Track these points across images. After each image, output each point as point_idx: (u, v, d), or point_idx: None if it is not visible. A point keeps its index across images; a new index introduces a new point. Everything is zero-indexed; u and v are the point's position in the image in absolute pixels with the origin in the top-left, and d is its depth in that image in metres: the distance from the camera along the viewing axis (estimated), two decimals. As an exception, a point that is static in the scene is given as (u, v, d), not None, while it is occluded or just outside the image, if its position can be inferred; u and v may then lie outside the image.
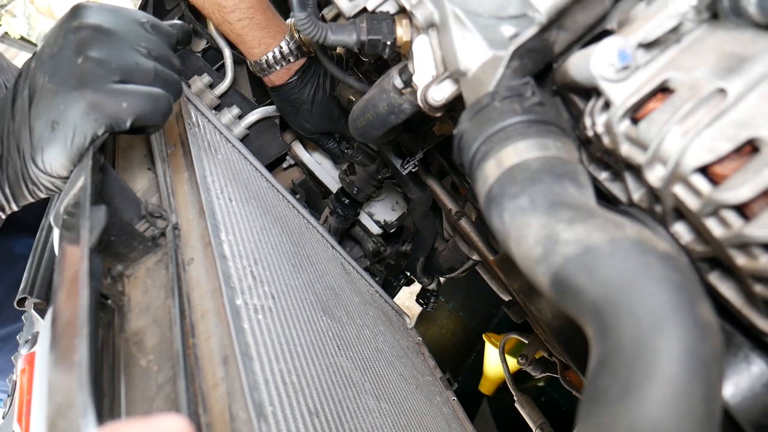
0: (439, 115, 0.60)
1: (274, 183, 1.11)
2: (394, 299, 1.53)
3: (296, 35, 1.01)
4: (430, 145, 0.94)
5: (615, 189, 0.49)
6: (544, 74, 0.51)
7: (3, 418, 0.70)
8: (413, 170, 0.97)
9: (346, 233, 1.38)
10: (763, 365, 0.41)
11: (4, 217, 0.63)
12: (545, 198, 0.39)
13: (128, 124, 0.56)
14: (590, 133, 0.47)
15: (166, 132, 0.84)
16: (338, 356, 0.79)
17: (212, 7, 0.98)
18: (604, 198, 0.51)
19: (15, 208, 0.61)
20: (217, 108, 1.14)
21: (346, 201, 1.26)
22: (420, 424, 0.91)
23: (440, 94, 0.56)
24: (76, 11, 0.58)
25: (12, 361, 0.75)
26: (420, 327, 1.63)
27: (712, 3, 0.40)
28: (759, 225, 0.36)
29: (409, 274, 1.38)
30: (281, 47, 1.01)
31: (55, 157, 0.55)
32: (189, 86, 1.07)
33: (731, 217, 0.37)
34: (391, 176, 1.20)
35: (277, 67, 1.03)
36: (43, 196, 0.60)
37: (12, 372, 0.72)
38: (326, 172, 1.35)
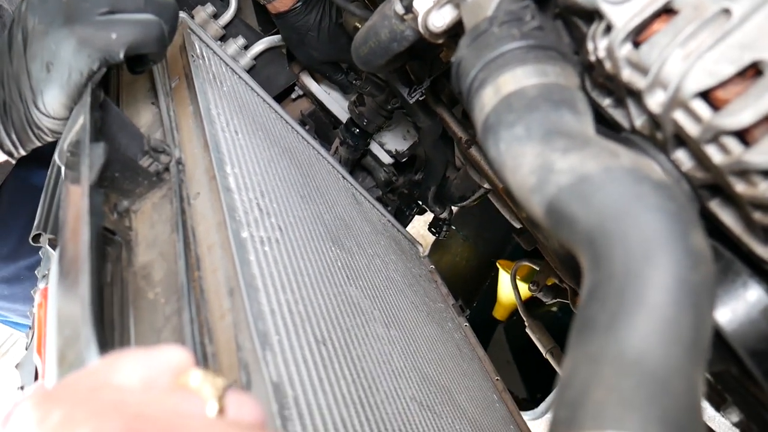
0: (441, 41, 0.58)
1: (283, 114, 1.10)
2: (407, 228, 1.54)
3: None
4: (438, 73, 0.92)
5: (618, 115, 0.48)
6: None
7: (26, 349, 0.73)
8: (420, 98, 0.95)
9: (357, 163, 1.38)
10: (760, 292, 0.41)
11: (13, 162, 0.63)
12: (541, 126, 0.38)
13: (121, 54, 0.55)
14: (593, 58, 0.45)
15: (169, 65, 0.83)
16: (347, 285, 0.80)
17: None
18: (607, 124, 0.50)
19: (23, 152, 0.62)
20: (222, 39, 1.12)
21: (356, 131, 1.25)
22: (430, 350, 0.93)
23: (441, 20, 0.55)
24: None
25: (32, 294, 0.77)
26: (434, 256, 1.65)
27: None
28: (759, 151, 0.35)
29: (421, 203, 1.38)
30: None
31: (55, 98, 0.55)
32: (192, 17, 1.05)
33: (731, 143, 0.36)
34: (401, 106, 1.18)
35: None
36: (49, 139, 0.60)
37: (32, 305, 0.75)
38: (335, 101, 1.33)
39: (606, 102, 0.48)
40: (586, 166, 0.35)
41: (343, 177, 1.21)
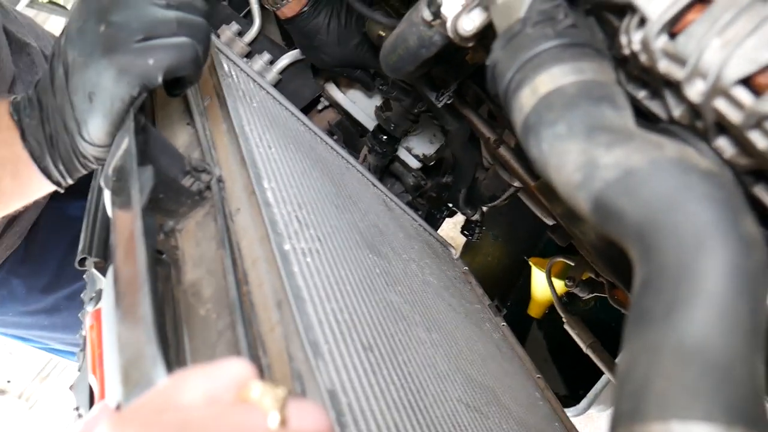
0: (470, 45, 0.59)
1: (311, 126, 1.11)
2: (438, 231, 1.54)
3: None
4: (464, 76, 0.92)
5: (654, 107, 0.48)
6: (576, -6, 0.49)
7: (79, 370, 0.74)
8: (448, 102, 0.96)
9: (386, 170, 1.39)
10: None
11: (62, 191, 0.66)
12: (583, 123, 0.38)
13: (159, 79, 0.56)
14: (627, 52, 0.45)
15: (200, 85, 0.85)
16: (387, 291, 0.81)
17: None
18: (644, 116, 0.50)
19: (70, 182, 0.64)
20: (248, 56, 1.14)
21: (384, 138, 1.26)
22: (471, 351, 0.93)
23: (470, 23, 0.55)
24: None
25: (79, 317, 0.79)
26: (466, 257, 1.65)
27: None
28: (805, 134, 0.35)
29: (451, 205, 1.39)
30: None
31: (99, 127, 0.57)
32: (218, 36, 1.07)
33: (776, 128, 0.36)
34: (428, 109, 1.19)
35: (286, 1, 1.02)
36: (94, 167, 0.62)
37: (81, 328, 0.76)
38: (361, 110, 1.35)
39: (642, 94, 0.49)
40: (632, 159, 0.35)
41: (373, 184, 1.22)
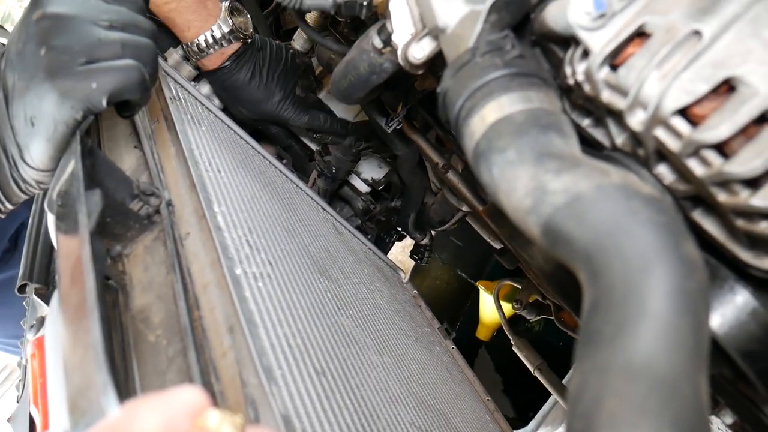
0: (420, 72, 0.60)
1: (260, 150, 1.11)
2: (388, 255, 1.55)
3: (230, 20, 0.99)
4: (413, 101, 0.94)
5: (598, 134, 0.50)
6: (522, 25, 0.51)
7: (18, 401, 0.71)
8: (397, 127, 0.97)
9: (336, 194, 1.39)
10: (747, 295, 0.43)
11: (2, 216, 0.63)
12: (532, 150, 0.40)
13: (104, 102, 0.55)
14: (571, 82, 0.47)
15: (148, 107, 0.84)
16: (338, 315, 0.81)
17: None
18: (588, 144, 0.52)
19: (10, 207, 0.62)
20: (196, 79, 1.13)
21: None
22: (422, 374, 0.94)
23: (420, 52, 0.57)
24: (36, 1, 0.57)
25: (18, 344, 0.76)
26: (415, 280, 1.66)
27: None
28: (738, 162, 0.37)
29: (401, 229, 1.40)
30: (213, 31, 0.99)
31: (42, 152, 0.55)
32: (165, 59, 1.06)
33: (711, 156, 0.39)
34: (367, 147, 1.21)
35: (210, 51, 1.00)
36: (36, 191, 0.60)
37: (20, 355, 0.74)
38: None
39: (586, 122, 0.51)
40: (579, 185, 0.37)
41: (323, 208, 1.22)
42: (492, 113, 0.43)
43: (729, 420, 0.56)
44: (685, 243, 0.34)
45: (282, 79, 1.08)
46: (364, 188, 1.41)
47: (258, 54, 1.05)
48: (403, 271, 1.45)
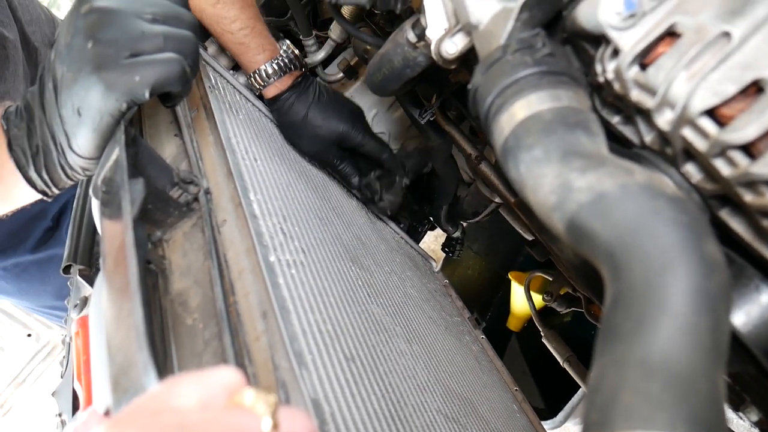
0: (453, 67, 0.61)
1: (296, 139, 1.13)
2: (420, 244, 1.56)
3: (291, 48, 1.00)
4: (447, 93, 0.95)
5: (627, 132, 0.50)
6: (554, 22, 0.52)
7: (61, 377, 0.75)
8: (431, 119, 0.98)
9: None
10: (773, 295, 0.44)
11: (49, 200, 0.67)
12: (558, 148, 0.41)
13: (147, 94, 0.58)
14: (601, 80, 0.48)
15: (188, 97, 0.87)
16: (369, 303, 0.83)
17: (211, 19, 0.97)
18: (618, 141, 0.52)
19: (56, 192, 0.65)
20: (234, 68, 1.15)
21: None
22: (451, 363, 0.95)
23: (453, 47, 0.58)
24: None
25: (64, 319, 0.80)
26: (446, 270, 1.67)
27: (716, -55, 0.41)
28: (764, 163, 0.37)
29: (433, 220, 1.41)
30: (280, 57, 1.00)
31: (88, 141, 0.58)
32: (206, 49, 1.08)
33: (738, 156, 0.39)
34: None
35: (274, 79, 1.01)
36: (81, 178, 0.63)
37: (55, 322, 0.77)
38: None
39: (615, 119, 0.51)
40: (604, 184, 0.38)
41: (356, 197, 1.24)
42: (521, 111, 0.44)
43: (755, 417, 0.56)
44: (707, 243, 0.35)
45: (339, 105, 1.08)
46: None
47: (314, 84, 1.06)
48: (434, 260, 1.46)
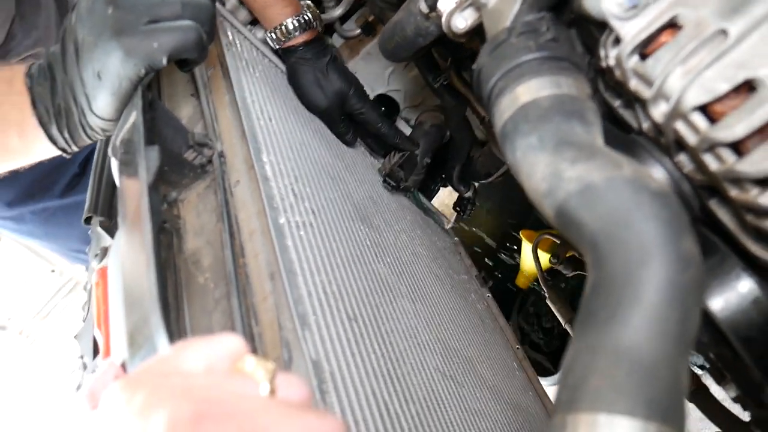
0: (463, 40, 0.62)
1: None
2: (434, 199, 1.58)
3: (312, 7, 1.03)
4: (460, 56, 0.95)
5: (627, 116, 0.51)
6: (562, 4, 0.52)
7: (83, 321, 0.79)
8: (444, 83, 0.98)
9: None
10: (752, 284, 0.45)
11: (68, 157, 0.69)
12: (553, 137, 0.42)
13: (164, 61, 0.60)
14: (604, 65, 0.49)
15: (205, 54, 0.88)
16: (376, 263, 0.85)
17: None
18: (619, 123, 0.53)
19: (76, 149, 0.68)
20: (252, 23, 1.16)
21: (383, 109, 1.28)
22: (453, 322, 0.99)
23: (463, 22, 0.58)
24: None
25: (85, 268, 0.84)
26: (458, 226, 1.69)
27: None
28: (750, 162, 0.39)
29: (445, 177, 1.42)
30: (302, 14, 1.02)
31: (107, 103, 0.60)
32: (224, 3, 1.09)
33: (725, 153, 0.40)
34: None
35: (295, 34, 1.03)
36: (100, 137, 0.66)
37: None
38: (363, 79, 1.37)
39: (617, 103, 0.52)
40: (592, 175, 0.39)
41: (370, 154, 1.25)
42: (520, 96, 0.45)
43: (733, 393, 0.59)
44: (684, 239, 0.37)
45: (348, 71, 1.09)
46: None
47: (329, 43, 1.07)
48: (446, 217, 1.48)
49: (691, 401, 0.82)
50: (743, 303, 0.45)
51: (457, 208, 1.44)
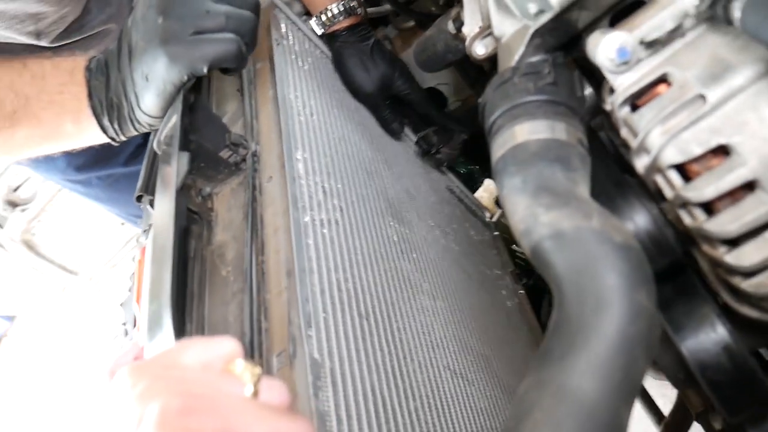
0: (485, 64, 0.64)
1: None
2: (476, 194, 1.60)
3: None
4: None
5: (627, 155, 0.53)
6: (575, 41, 0.54)
7: (129, 291, 0.87)
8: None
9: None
10: (724, 331, 0.47)
11: (116, 145, 0.76)
12: (534, 182, 0.45)
13: (205, 69, 0.66)
14: (606, 108, 0.51)
15: (255, 48, 0.93)
16: (400, 260, 0.90)
17: None
18: (620, 159, 0.55)
19: (124, 139, 0.74)
20: (308, 13, 1.20)
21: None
22: (475, 319, 1.02)
23: (483, 49, 0.61)
24: None
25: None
26: (502, 221, 1.71)
27: (710, 6, 0.42)
28: (717, 223, 0.41)
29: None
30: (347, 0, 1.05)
31: (153, 103, 0.67)
32: (281, -6, 1.13)
33: (697, 211, 0.42)
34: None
35: (339, 18, 1.06)
36: (145, 131, 0.72)
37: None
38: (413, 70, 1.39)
39: (618, 142, 0.54)
40: (562, 223, 0.42)
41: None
42: (513, 137, 0.48)
43: (718, 425, 0.61)
44: (639, 292, 0.40)
45: (392, 56, 1.12)
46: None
47: (372, 31, 1.10)
48: (489, 210, 1.50)
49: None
50: (714, 348, 0.48)
51: (498, 203, 1.46)
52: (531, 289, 1.38)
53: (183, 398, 0.38)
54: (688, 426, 0.89)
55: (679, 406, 0.89)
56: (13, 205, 2.95)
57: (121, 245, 3.28)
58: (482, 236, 1.38)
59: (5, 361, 3.49)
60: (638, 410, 1.23)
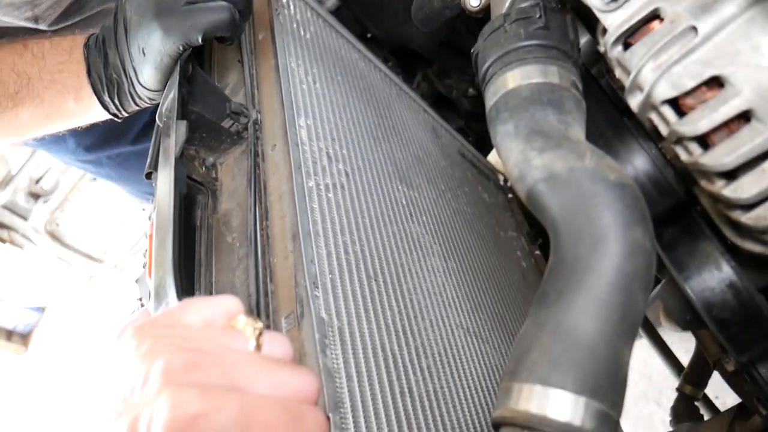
0: (480, 16, 0.64)
1: (366, 53, 1.17)
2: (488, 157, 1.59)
3: None
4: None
5: (623, 97, 0.52)
6: (567, -16, 0.53)
7: (143, 267, 0.89)
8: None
9: (440, 95, 1.43)
10: (728, 268, 0.47)
11: (119, 121, 0.77)
12: (527, 126, 0.45)
13: (199, 39, 0.66)
14: (600, 50, 0.50)
15: (257, 18, 0.93)
16: (408, 222, 0.89)
17: None
18: (620, 100, 0.54)
19: (126, 114, 0.75)
20: (309, -19, 1.19)
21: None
22: (488, 279, 1.02)
23: (477, 1, 0.60)
24: None
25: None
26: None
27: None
28: (712, 156, 0.40)
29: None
30: None
31: (151, 76, 0.67)
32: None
33: (692, 146, 0.42)
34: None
35: None
36: (146, 105, 0.73)
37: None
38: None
39: (616, 85, 0.53)
40: (556, 165, 0.42)
41: (424, 110, 1.28)
42: (505, 83, 0.48)
43: (731, 367, 0.60)
44: (635, 229, 0.39)
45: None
46: (470, 90, 1.43)
47: None
48: (501, 172, 1.49)
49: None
50: (719, 286, 0.47)
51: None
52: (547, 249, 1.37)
53: (187, 354, 0.39)
54: (708, 375, 0.89)
55: (698, 355, 0.89)
56: (36, 196, 3.00)
57: (143, 231, 3.32)
58: (496, 199, 1.37)
59: (38, 352, 3.59)
60: (659, 364, 1.23)
